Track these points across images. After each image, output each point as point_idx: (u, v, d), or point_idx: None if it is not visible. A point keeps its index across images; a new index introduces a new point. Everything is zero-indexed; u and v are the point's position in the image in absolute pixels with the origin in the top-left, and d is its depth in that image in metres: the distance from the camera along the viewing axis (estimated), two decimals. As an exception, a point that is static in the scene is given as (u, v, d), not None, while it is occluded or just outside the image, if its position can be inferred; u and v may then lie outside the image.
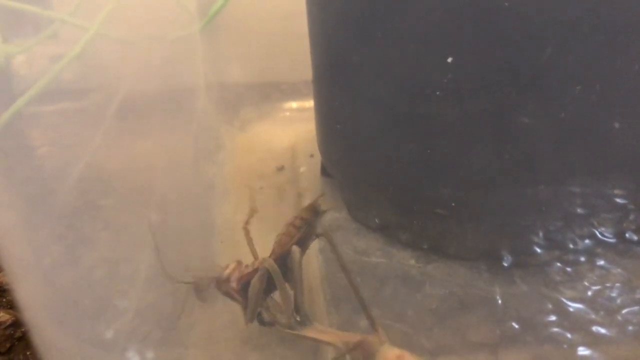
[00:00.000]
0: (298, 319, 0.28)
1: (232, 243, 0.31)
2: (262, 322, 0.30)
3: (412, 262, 0.37)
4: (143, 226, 0.32)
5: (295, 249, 0.30)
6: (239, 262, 0.32)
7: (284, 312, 0.29)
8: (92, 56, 0.51)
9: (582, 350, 0.31)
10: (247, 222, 0.34)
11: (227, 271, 0.31)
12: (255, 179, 0.46)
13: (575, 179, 0.33)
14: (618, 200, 0.34)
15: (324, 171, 0.45)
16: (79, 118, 0.47)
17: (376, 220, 0.39)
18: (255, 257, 0.32)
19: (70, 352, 0.27)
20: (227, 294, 0.31)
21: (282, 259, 0.30)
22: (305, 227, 0.32)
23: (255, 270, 0.30)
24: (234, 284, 0.30)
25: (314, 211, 0.33)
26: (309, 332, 0.28)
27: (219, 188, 0.44)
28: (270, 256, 0.31)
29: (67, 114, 0.48)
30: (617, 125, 0.31)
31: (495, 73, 0.30)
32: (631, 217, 0.35)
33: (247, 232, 0.34)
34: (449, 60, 0.30)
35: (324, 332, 0.28)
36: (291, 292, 0.30)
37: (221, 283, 0.31)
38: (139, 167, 0.39)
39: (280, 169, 0.49)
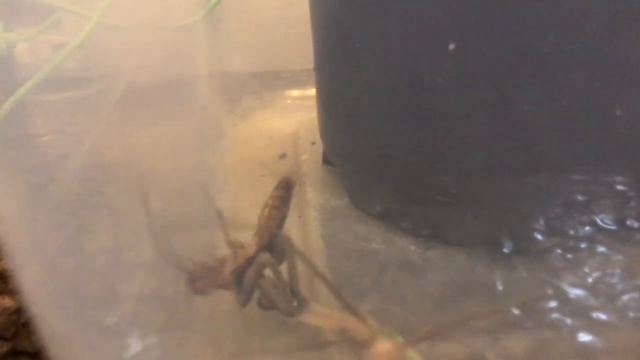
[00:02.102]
0: (295, 303, 0.29)
1: (233, 230, 0.31)
2: (261, 306, 0.30)
3: (413, 248, 0.37)
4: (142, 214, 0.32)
5: (286, 235, 0.30)
6: (234, 252, 0.31)
7: (280, 297, 0.29)
8: (95, 45, 0.51)
9: (582, 336, 0.31)
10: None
11: (221, 262, 0.31)
12: (257, 166, 0.46)
13: (576, 166, 0.33)
14: (619, 187, 0.34)
15: (326, 159, 0.46)
16: (82, 106, 0.47)
17: (377, 207, 0.39)
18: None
19: (74, 337, 0.27)
20: (221, 286, 0.30)
21: (270, 242, 0.30)
22: (284, 205, 0.32)
23: (250, 260, 0.30)
24: (227, 276, 0.30)
25: (287, 187, 0.32)
26: (308, 317, 0.28)
27: (220, 176, 0.44)
28: (257, 241, 0.30)
29: (70, 102, 0.48)
30: (618, 112, 0.31)
31: (497, 59, 0.30)
32: (632, 204, 0.35)
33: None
34: (451, 46, 0.30)
35: (323, 315, 0.28)
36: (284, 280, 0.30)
37: (215, 274, 0.30)
38: (141, 155, 0.39)
39: (282, 156, 0.49)
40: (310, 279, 0.33)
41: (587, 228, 0.36)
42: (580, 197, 0.34)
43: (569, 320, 0.31)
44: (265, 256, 0.29)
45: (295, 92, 0.57)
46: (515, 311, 0.32)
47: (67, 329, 0.27)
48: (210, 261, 0.31)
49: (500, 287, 0.34)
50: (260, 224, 0.31)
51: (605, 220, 0.35)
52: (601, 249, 0.35)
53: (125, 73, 0.48)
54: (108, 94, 0.46)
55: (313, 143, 0.49)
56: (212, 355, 0.29)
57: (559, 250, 0.35)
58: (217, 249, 0.31)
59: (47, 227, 0.34)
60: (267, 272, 0.30)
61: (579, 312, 0.32)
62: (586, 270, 0.34)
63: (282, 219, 0.32)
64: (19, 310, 0.35)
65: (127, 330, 0.28)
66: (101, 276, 0.32)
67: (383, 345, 0.26)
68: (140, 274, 0.32)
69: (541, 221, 0.35)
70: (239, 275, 0.30)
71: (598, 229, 0.36)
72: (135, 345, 0.27)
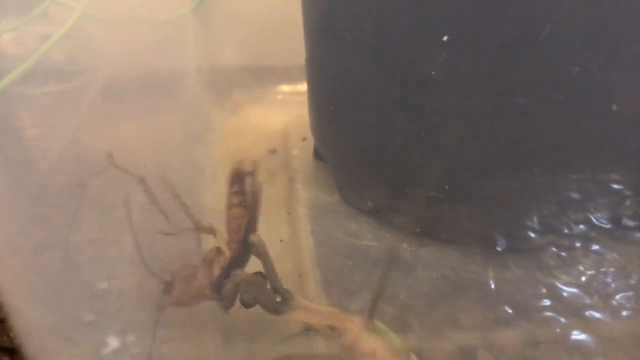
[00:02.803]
0: (279, 299, 0.28)
1: (220, 226, 0.30)
2: (245, 304, 0.29)
3: (405, 245, 0.37)
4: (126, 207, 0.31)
5: (255, 237, 0.28)
6: (210, 261, 0.30)
7: (263, 295, 0.28)
8: (81, 37, 0.50)
9: (576, 335, 0.30)
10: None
11: (198, 273, 0.29)
12: (246, 162, 0.46)
13: (571, 163, 0.33)
14: (614, 185, 0.34)
15: (317, 154, 0.45)
16: (67, 99, 0.46)
17: (368, 204, 0.39)
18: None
19: (52, 333, 0.27)
20: (199, 296, 0.29)
21: (243, 243, 0.28)
22: (244, 199, 0.29)
23: (226, 269, 0.28)
24: (204, 287, 0.29)
25: (239, 179, 0.30)
26: (294, 314, 0.27)
27: (207, 171, 0.43)
28: (232, 247, 0.29)
29: (55, 95, 0.47)
30: (614, 107, 0.31)
31: (492, 53, 0.30)
32: (627, 202, 0.35)
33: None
34: (445, 38, 0.30)
35: (309, 310, 0.28)
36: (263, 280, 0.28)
37: (191, 285, 0.29)
38: (126, 148, 0.38)
39: (273, 152, 0.48)
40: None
41: (582, 226, 0.35)
42: (575, 195, 0.34)
43: (562, 319, 0.31)
44: (243, 275, 0.28)
45: (286, 87, 0.57)
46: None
47: (46, 325, 0.27)
48: (185, 271, 0.29)
49: (493, 286, 0.34)
50: (229, 227, 0.29)
51: (600, 219, 0.35)
52: (595, 247, 0.35)
53: (112, 66, 0.47)
54: (93, 87, 0.45)
55: (304, 138, 0.48)
56: (195, 352, 0.28)
57: (553, 248, 0.35)
58: (203, 243, 0.30)
59: (28, 221, 0.33)
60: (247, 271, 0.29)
61: (573, 310, 0.32)
62: (580, 268, 0.34)
63: (252, 214, 0.29)
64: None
65: (108, 326, 0.28)
66: (83, 271, 0.31)
67: (368, 343, 0.25)
68: (123, 268, 0.31)
69: (535, 219, 0.35)
70: (217, 285, 0.29)
71: (593, 227, 0.35)
72: (115, 341, 0.26)
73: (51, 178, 0.38)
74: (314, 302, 0.29)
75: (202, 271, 0.29)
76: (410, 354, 0.26)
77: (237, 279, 0.28)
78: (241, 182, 0.30)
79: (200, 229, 0.30)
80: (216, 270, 0.29)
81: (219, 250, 0.30)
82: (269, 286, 0.28)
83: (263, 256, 0.28)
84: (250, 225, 0.29)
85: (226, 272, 0.29)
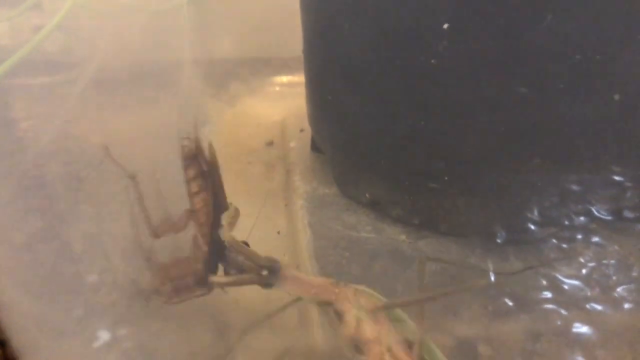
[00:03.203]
0: (264, 272, 0.27)
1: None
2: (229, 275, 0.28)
3: (403, 237, 0.36)
4: (123, 199, 0.30)
5: (228, 238, 0.27)
6: (186, 260, 0.28)
7: (250, 269, 0.27)
8: (74, 28, 0.50)
9: (577, 327, 0.30)
10: None
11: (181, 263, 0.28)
12: (243, 154, 0.45)
13: (572, 154, 0.32)
14: (615, 177, 0.33)
15: (314, 146, 0.45)
16: (61, 90, 0.46)
17: (366, 196, 0.38)
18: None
19: (42, 326, 0.26)
20: (188, 294, 0.28)
21: (213, 235, 0.27)
22: (204, 180, 0.28)
23: (206, 259, 0.27)
24: (196, 288, 0.27)
25: (191, 159, 0.28)
26: (284, 286, 0.27)
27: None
28: (204, 239, 0.28)
29: (49, 86, 0.47)
30: (617, 97, 0.30)
31: (492, 41, 0.29)
32: (628, 194, 0.35)
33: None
34: (445, 26, 0.29)
35: (299, 281, 0.27)
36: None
37: (180, 284, 0.28)
38: (121, 140, 0.38)
39: (270, 144, 0.48)
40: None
41: (583, 218, 0.35)
42: (575, 187, 0.33)
43: (563, 311, 0.31)
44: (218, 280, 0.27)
45: (284, 79, 0.57)
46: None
47: (37, 318, 0.26)
48: (171, 263, 0.28)
49: (493, 278, 0.33)
50: (198, 220, 0.28)
51: (600, 211, 0.35)
52: (596, 239, 0.35)
53: (105, 57, 0.46)
54: (87, 79, 0.45)
55: (301, 130, 0.48)
56: (188, 345, 0.28)
57: (554, 240, 0.35)
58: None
59: (21, 213, 0.33)
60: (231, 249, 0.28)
61: (574, 303, 0.31)
62: (581, 260, 0.34)
63: (216, 193, 0.27)
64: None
65: (100, 320, 0.27)
66: (75, 264, 0.31)
67: (375, 328, 0.25)
68: (116, 262, 0.31)
69: (536, 211, 0.34)
70: (202, 281, 0.27)
71: (593, 219, 0.35)
72: (106, 335, 0.26)
73: (44, 170, 0.37)
74: (303, 273, 0.28)
75: (185, 269, 0.28)
76: (429, 345, 0.25)
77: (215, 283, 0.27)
78: (195, 165, 0.28)
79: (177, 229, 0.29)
80: (198, 266, 0.28)
81: (197, 246, 0.28)
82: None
83: (238, 249, 0.27)
84: (217, 210, 0.27)
85: (209, 267, 0.27)
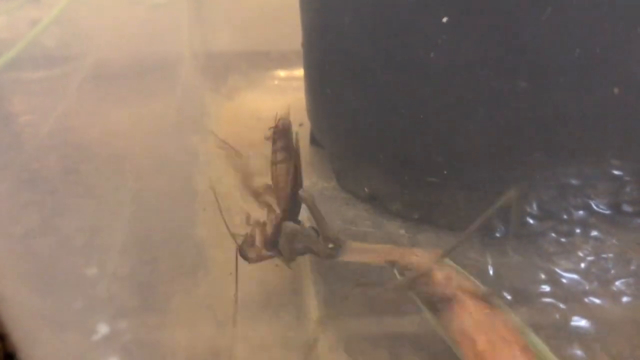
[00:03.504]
0: (331, 246, 0.28)
1: (215, 210, 0.30)
2: (298, 253, 0.29)
3: (402, 232, 0.36)
4: (122, 193, 0.30)
5: (303, 193, 0.28)
6: (258, 223, 0.30)
7: (315, 244, 0.28)
8: (72, 21, 0.50)
9: (576, 321, 0.30)
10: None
11: (250, 237, 0.30)
12: (243, 147, 0.45)
13: (571, 148, 0.32)
14: (614, 171, 0.33)
15: (313, 140, 0.45)
16: (59, 84, 0.46)
17: (366, 190, 0.38)
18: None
19: (41, 320, 0.26)
20: (258, 259, 0.30)
21: (291, 199, 0.29)
22: (289, 154, 0.30)
23: (277, 227, 0.29)
24: (261, 249, 0.29)
25: (284, 132, 0.31)
26: (350, 256, 0.28)
27: (201, 156, 0.43)
28: (279, 205, 0.30)
29: (48, 80, 0.47)
30: (616, 90, 0.30)
31: (492, 34, 0.29)
32: (627, 188, 0.35)
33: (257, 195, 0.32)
34: (444, 20, 0.29)
35: (366, 250, 0.28)
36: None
37: (247, 250, 0.29)
38: (119, 133, 0.38)
39: (269, 138, 0.48)
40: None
41: (582, 212, 0.35)
42: (574, 181, 0.33)
43: (562, 305, 0.31)
44: (291, 226, 0.28)
45: (283, 73, 0.56)
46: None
47: (35, 312, 0.26)
48: (252, 229, 0.30)
49: (491, 272, 0.33)
50: (277, 185, 0.30)
51: (600, 205, 0.35)
52: (595, 233, 0.35)
53: (104, 50, 0.46)
54: (85, 72, 0.44)
55: (301, 124, 0.47)
56: (189, 338, 0.28)
57: (552, 234, 0.35)
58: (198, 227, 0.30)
59: (19, 206, 0.33)
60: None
61: (572, 296, 0.31)
62: (580, 254, 0.34)
63: (296, 169, 0.29)
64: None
65: (99, 314, 0.27)
66: (74, 257, 0.31)
67: (444, 270, 0.25)
68: (115, 255, 0.31)
69: (535, 204, 0.34)
70: (272, 243, 0.29)
71: (592, 213, 0.35)
72: (105, 328, 0.26)
73: (43, 163, 0.37)
74: (368, 245, 0.29)
75: (257, 232, 0.30)
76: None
77: (287, 230, 0.28)
78: (286, 138, 0.30)
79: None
80: (269, 229, 0.29)
81: (270, 209, 0.30)
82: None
83: (312, 208, 0.28)
84: (297, 179, 0.29)
85: (280, 229, 0.29)
